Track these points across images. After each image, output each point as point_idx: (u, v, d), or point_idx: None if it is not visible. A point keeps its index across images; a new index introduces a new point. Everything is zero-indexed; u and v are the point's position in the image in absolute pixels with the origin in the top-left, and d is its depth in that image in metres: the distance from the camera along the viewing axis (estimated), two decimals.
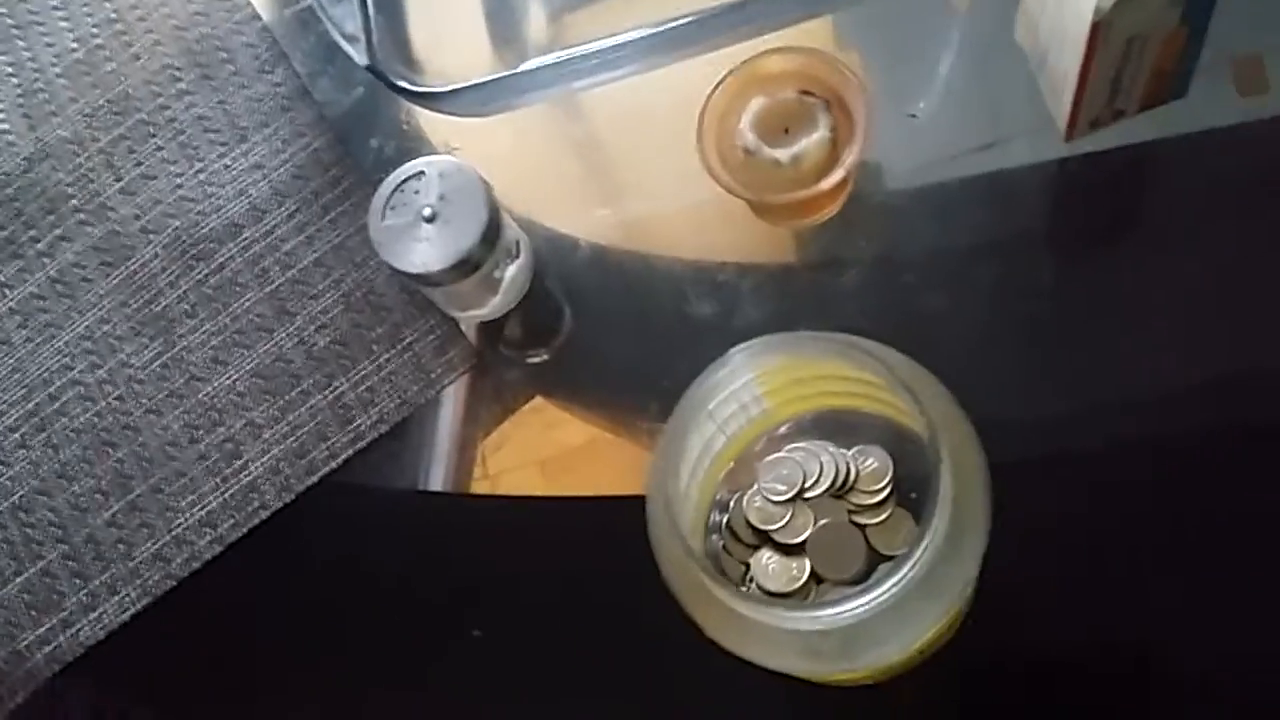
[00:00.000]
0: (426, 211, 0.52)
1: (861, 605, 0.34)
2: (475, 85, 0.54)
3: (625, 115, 0.62)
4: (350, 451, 0.58)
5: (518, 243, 0.57)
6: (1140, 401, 0.52)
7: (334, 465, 0.58)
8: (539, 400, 0.60)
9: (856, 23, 0.60)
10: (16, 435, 0.62)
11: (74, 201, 0.65)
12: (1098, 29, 0.45)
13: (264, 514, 0.58)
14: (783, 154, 0.52)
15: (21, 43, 0.70)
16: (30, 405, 0.62)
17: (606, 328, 0.59)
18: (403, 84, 0.54)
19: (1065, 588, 0.50)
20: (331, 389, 0.59)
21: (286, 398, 0.59)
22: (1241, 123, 0.55)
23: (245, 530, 0.58)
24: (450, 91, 0.54)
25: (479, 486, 0.58)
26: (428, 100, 0.55)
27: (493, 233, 0.53)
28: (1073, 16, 0.46)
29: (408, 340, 0.59)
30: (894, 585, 0.34)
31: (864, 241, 0.57)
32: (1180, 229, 0.55)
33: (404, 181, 0.53)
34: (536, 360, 0.60)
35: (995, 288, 0.55)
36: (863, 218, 0.57)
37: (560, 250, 0.60)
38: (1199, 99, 0.53)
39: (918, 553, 0.34)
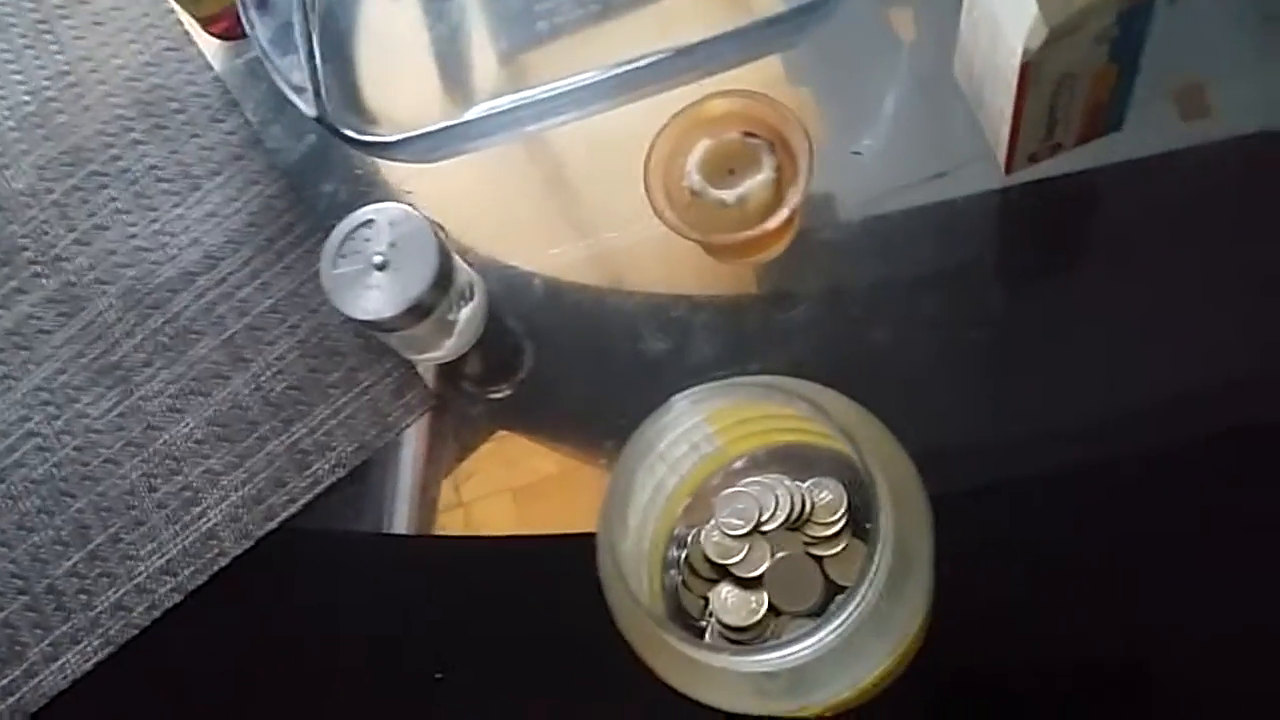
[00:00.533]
0: (377, 259, 0.53)
1: (808, 646, 0.35)
2: (423, 134, 0.54)
3: (578, 152, 0.63)
4: (309, 497, 0.58)
5: (471, 285, 0.58)
6: (1089, 426, 0.53)
7: (292, 511, 0.58)
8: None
9: (806, 60, 0.61)
10: None
11: (28, 254, 0.65)
12: (1027, 69, 0.46)
13: (223, 561, 0.58)
14: (728, 195, 0.53)
15: None
16: None
17: (565, 364, 0.60)
18: (351, 134, 0.55)
19: (1020, 613, 0.50)
20: (289, 434, 0.59)
21: (244, 444, 0.59)
22: (1183, 147, 0.56)
23: (205, 577, 0.58)
24: (399, 141, 0.54)
25: (452, 514, 0.59)
26: (377, 149, 0.56)
27: (444, 278, 0.54)
28: (1004, 56, 0.47)
29: (364, 384, 0.59)
30: (839, 625, 0.35)
31: (813, 276, 0.58)
32: (1126, 253, 0.56)
33: (354, 230, 0.54)
34: (498, 396, 0.61)
35: (942, 317, 0.56)
36: (812, 252, 0.58)
37: (517, 287, 0.61)
38: (1140, 126, 0.55)
39: (860, 593, 0.34)
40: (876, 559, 0.35)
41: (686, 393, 0.39)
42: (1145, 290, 0.54)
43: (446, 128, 0.55)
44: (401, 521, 0.59)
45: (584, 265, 0.61)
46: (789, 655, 0.35)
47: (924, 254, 0.58)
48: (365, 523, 0.59)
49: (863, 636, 0.35)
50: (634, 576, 0.38)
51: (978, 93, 0.53)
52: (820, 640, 0.35)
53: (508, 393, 0.60)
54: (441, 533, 0.59)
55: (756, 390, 0.39)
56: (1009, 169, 0.54)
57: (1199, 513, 0.50)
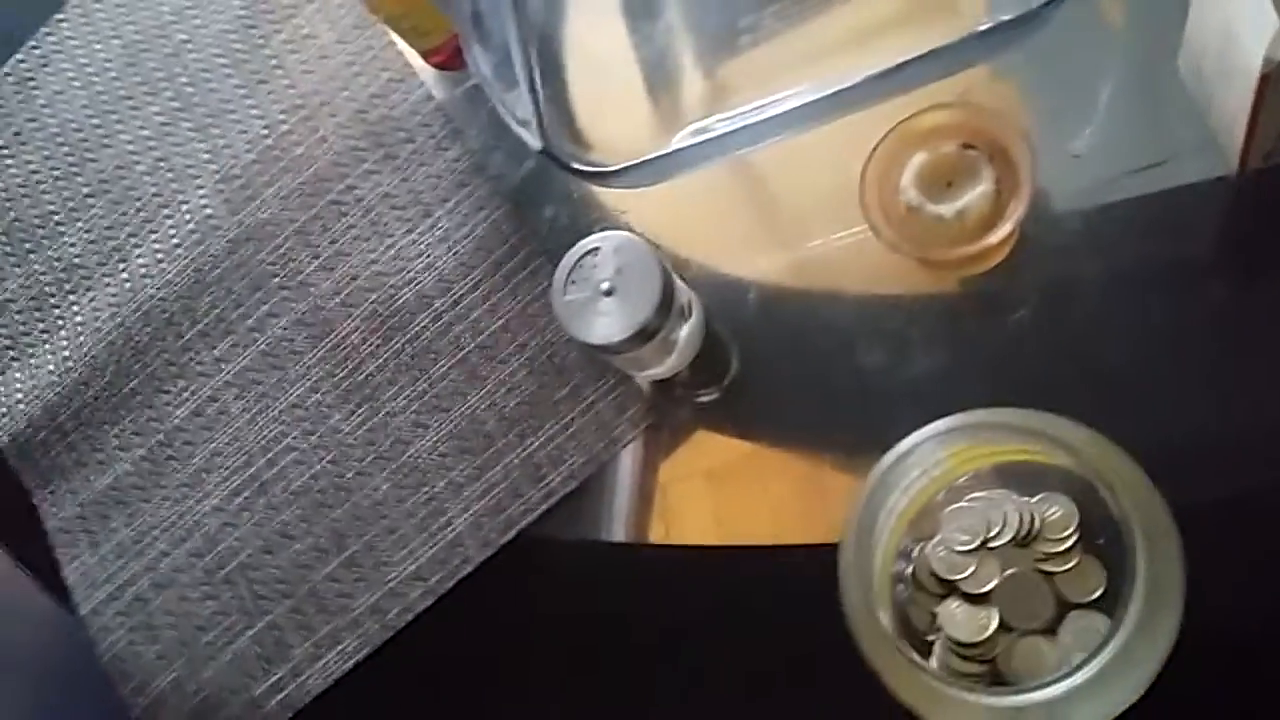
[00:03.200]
0: (605, 286, 0.55)
1: (1055, 689, 0.36)
2: (643, 162, 0.56)
3: (785, 159, 0.63)
4: (544, 507, 0.62)
5: (689, 303, 0.60)
6: None
7: (529, 520, 0.62)
8: None
9: (1011, 53, 0.60)
10: (240, 499, 0.68)
11: (277, 279, 0.70)
12: (1267, 80, 0.45)
13: (468, 568, 0.62)
14: (946, 209, 0.53)
15: (216, 131, 0.76)
16: (251, 471, 0.68)
17: (776, 372, 0.62)
18: (575, 164, 0.57)
19: (1270, 628, 0.49)
20: (523, 448, 0.63)
21: (483, 457, 0.63)
22: None
23: (453, 583, 0.62)
24: (618, 169, 0.57)
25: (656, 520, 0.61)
26: (598, 178, 0.58)
27: (667, 301, 0.56)
28: (1240, 64, 0.46)
29: (589, 400, 0.62)
30: (1091, 666, 0.35)
31: (1031, 279, 0.57)
32: None
33: (581, 258, 0.56)
34: (707, 399, 0.63)
35: (1170, 317, 0.55)
36: (1029, 258, 0.57)
37: (730, 296, 0.62)
38: None
39: (1112, 643, 0.35)
40: (1131, 602, 0.35)
41: (932, 434, 0.40)
42: None
43: (664, 155, 0.57)
44: (620, 531, 0.62)
45: (794, 272, 0.62)
46: (1035, 699, 0.36)
47: (1148, 250, 0.56)
48: (586, 531, 0.62)
49: (1110, 677, 0.36)
50: (882, 603, 0.39)
51: (1207, 95, 0.52)
52: (1068, 684, 0.36)
53: (715, 396, 0.62)
54: (658, 541, 0.61)
55: (1002, 432, 0.40)
56: (1243, 171, 0.52)
57: None
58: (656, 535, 0.61)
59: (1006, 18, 0.53)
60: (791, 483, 0.60)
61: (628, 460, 0.62)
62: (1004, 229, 0.52)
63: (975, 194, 0.53)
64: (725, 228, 0.65)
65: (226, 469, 0.68)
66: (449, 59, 0.69)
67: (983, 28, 0.54)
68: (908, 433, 0.46)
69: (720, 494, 0.61)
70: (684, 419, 0.62)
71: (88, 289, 0.74)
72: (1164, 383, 0.54)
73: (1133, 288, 0.56)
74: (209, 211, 0.73)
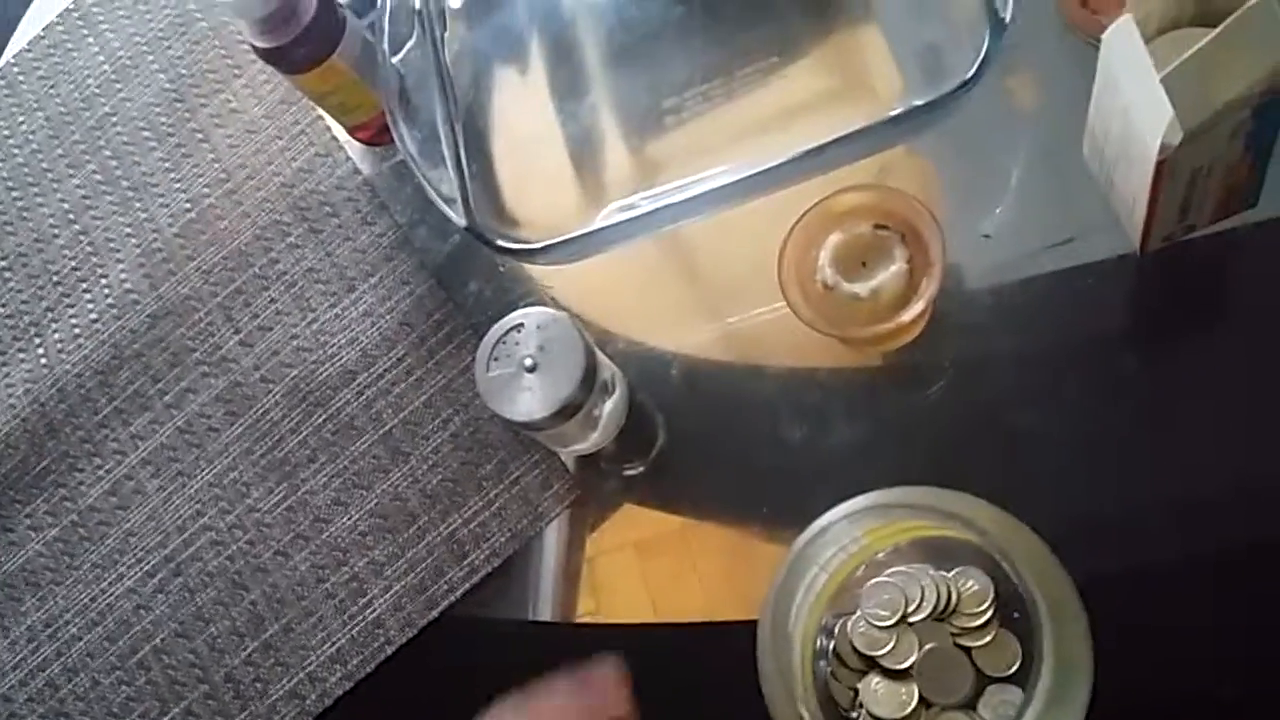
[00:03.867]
0: (528, 362, 0.56)
1: None
2: (567, 240, 0.57)
3: (712, 237, 0.64)
4: (467, 586, 0.61)
5: (613, 378, 0.60)
6: (1241, 502, 0.52)
7: (452, 600, 0.61)
8: None
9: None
10: (155, 580, 0.66)
11: (196, 355, 0.69)
12: (1163, 165, 0.46)
13: (389, 649, 0.61)
14: (861, 288, 0.54)
15: (138, 204, 0.75)
16: (166, 551, 0.66)
17: (701, 445, 0.62)
18: (500, 242, 0.58)
19: (1172, 697, 0.50)
20: (446, 525, 0.62)
21: (404, 535, 0.62)
22: None
23: (373, 666, 0.61)
24: (543, 247, 0.57)
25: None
26: (523, 255, 0.59)
27: (590, 377, 0.56)
28: (1138, 150, 0.48)
29: (514, 476, 0.62)
30: None
31: (946, 354, 0.59)
32: (1264, 314, 0.55)
33: (505, 334, 0.56)
34: (633, 472, 0.63)
35: (1080, 390, 0.56)
36: (944, 334, 0.59)
37: (654, 373, 0.63)
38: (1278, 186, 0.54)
39: (1024, 717, 0.35)
40: (1041, 681, 0.35)
41: (844, 514, 0.40)
42: None
43: (589, 233, 0.57)
44: (546, 606, 0.61)
45: (718, 346, 0.63)
46: None
47: (1058, 324, 0.58)
48: (512, 610, 0.62)
49: None
50: (804, 681, 0.39)
51: (1108, 177, 0.54)
52: None
53: (642, 469, 0.62)
54: (587, 618, 0.61)
55: (913, 512, 0.40)
56: (1144, 250, 0.54)
57: None
58: (585, 611, 0.61)
59: (921, 102, 0.55)
60: (720, 556, 0.60)
61: (553, 537, 0.62)
62: (916, 307, 0.53)
63: (889, 273, 0.54)
64: (650, 302, 0.65)
65: (141, 549, 0.67)
66: (375, 135, 0.69)
67: (898, 111, 0.55)
68: (829, 505, 0.47)
69: (649, 569, 0.61)
70: (610, 494, 0.62)
71: (1, 365, 0.73)
72: (1074, 455, 0.55)
73: (1043, 362, 0.57)
74: (129, 286, 0.72)
